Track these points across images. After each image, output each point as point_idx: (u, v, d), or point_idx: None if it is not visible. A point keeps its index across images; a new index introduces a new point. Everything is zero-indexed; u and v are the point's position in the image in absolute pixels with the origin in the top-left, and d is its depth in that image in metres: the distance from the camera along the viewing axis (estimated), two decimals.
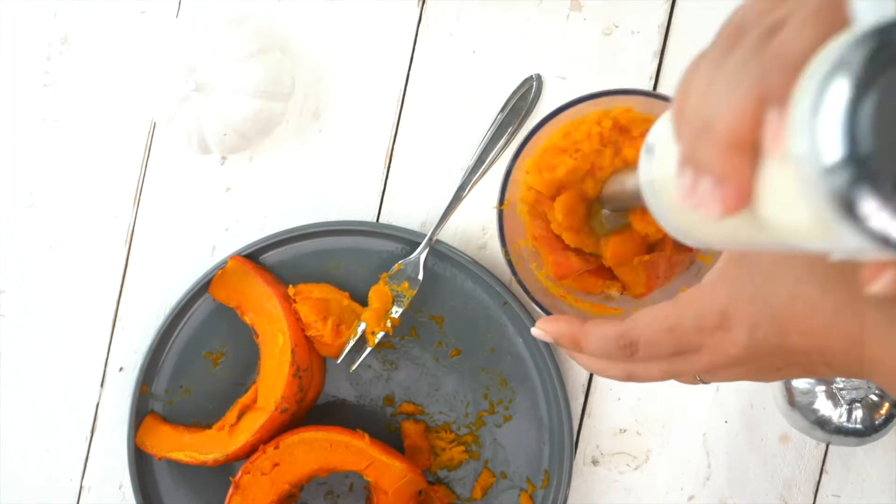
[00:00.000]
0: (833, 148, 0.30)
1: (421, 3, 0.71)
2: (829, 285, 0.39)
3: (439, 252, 0.69)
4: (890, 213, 0.30)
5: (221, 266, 0.69)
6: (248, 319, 0.70)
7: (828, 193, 0.31)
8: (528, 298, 0.71)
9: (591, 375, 0.71)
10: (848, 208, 0.30)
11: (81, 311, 0.73)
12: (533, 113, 0.70)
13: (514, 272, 0.63)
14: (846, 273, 0.39)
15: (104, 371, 0.73)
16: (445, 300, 0.70)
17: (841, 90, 0.30)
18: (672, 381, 0.71)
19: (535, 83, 0.70)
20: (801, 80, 0.32)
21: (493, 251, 0.71)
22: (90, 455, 0.73)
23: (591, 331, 0.47)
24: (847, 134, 0.30)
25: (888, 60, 0.30)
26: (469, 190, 0.70)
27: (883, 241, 0.30)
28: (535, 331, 0.50)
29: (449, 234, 0.71)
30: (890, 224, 0.30)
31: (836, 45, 0.31)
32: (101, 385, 0.73)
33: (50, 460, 0.73)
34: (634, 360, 0.45)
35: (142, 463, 0.71)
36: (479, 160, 0.70)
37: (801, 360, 0.41)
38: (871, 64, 0.30)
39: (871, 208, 0.30)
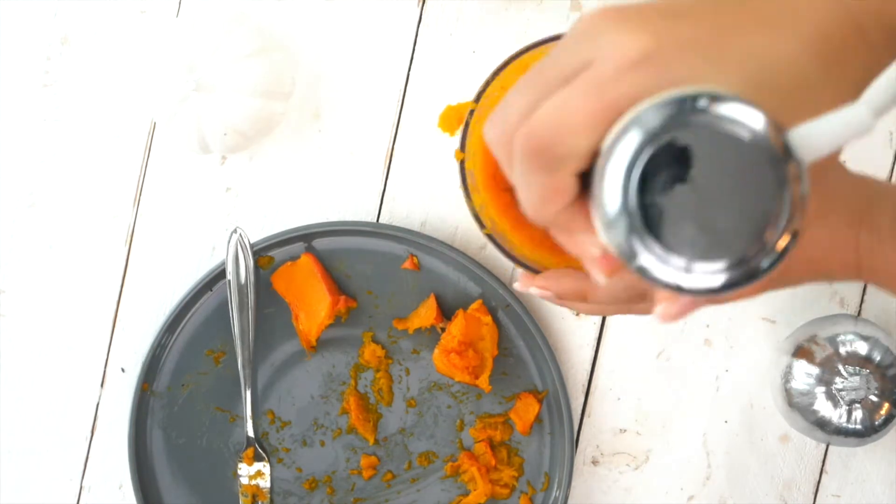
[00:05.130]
0: (612, 198, 0.33)
1: (421, 3, 0.71)
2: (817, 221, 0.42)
3: (441, 253, 0.69)
4: (659, 261, 0.33)
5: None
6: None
7: (612, 244, 0.33)
8: (529, 299, 0.71)
9: (591, 376, 0.72)
10: (627, 258, 0.33)
11: (81, 311, 0.73)
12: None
13: (481, 226, 0.58)
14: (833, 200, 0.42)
15: (104, 371, 0.73)
16: (449, 303, 0.70)
17: (629, 143, 0.32)
18: (673, 382, 0.71)
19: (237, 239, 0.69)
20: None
21: (492, 251, 0.71)
22: (90, 455, 0.73)
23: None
24: (623, 187, 0.32)
25: (679, 124, 0.32)
26: None
27: (652, 280, 0.33)
28: (533, 290, 0.52)
29: (449, 234, 0.71)
30: (658, 270, 0.33)
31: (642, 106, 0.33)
32: (101, 385, 0.73)
33: (50, 460, 0.73)
34: (642, 301, 0.49)
35: (142, 463, 0.71)
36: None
37: (803, 280, 0.46)
38: (663, 123, 0.32)
39: (645, 259, 0.33)
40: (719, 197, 0.32)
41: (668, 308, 0.36)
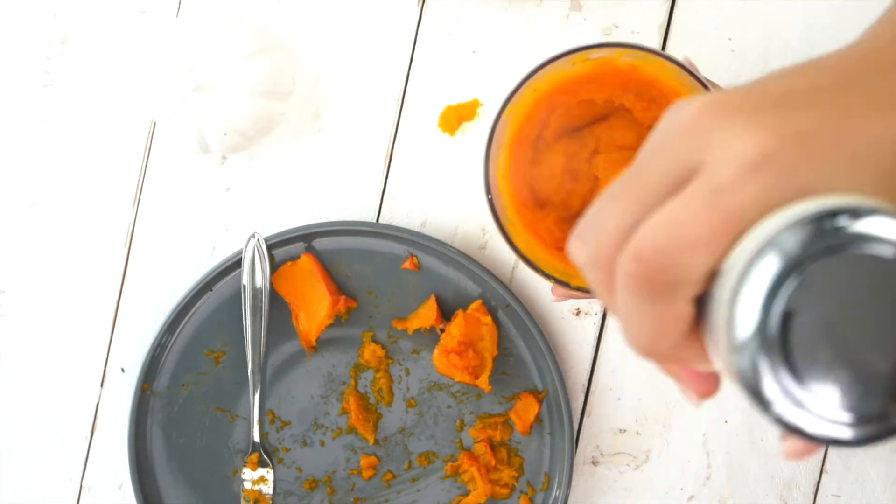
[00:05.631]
0: (745, 324, 0.29)
1: (421, 3, 0.71)
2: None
3: (441, 253, 0.69)
4: (788, 401, 0.30)
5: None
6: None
7: (736, 370, 0.31)
8: (529, 299, 0.71)
9: (591, 376, 0.72)
10: (751, 388, 0.30)
11: (81, 311, 0.73)
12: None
13: (529, 263, 0.54)
14: None
15: (104, 371, 0.73)
16: (449, 303, 0.70)
17: (768, 268, 0.29)
18: (673, 382, 0.71)
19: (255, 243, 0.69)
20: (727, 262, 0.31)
21: (492, 251, 0.71)
22: (90, 455, 0.73)
23: None
24: (763, 310, 0.29)
25: (822, 250, 0.29)
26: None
27: (781, 424, 0.30)
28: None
29: (449, 234, 0.71)
30: (789, 412, 0.30)
31: (769, 226, 0.30)
32: (101, 385, 0.73)
33: (50, 460, 0.73)
34: None
35: (142, 463, 0.71)
36: None
37: None
38: (804, 249, 0.29)
39: (771, 392, 0.30)
40: (863, 334, 0.29)
41: (795, 446, 0.33)
